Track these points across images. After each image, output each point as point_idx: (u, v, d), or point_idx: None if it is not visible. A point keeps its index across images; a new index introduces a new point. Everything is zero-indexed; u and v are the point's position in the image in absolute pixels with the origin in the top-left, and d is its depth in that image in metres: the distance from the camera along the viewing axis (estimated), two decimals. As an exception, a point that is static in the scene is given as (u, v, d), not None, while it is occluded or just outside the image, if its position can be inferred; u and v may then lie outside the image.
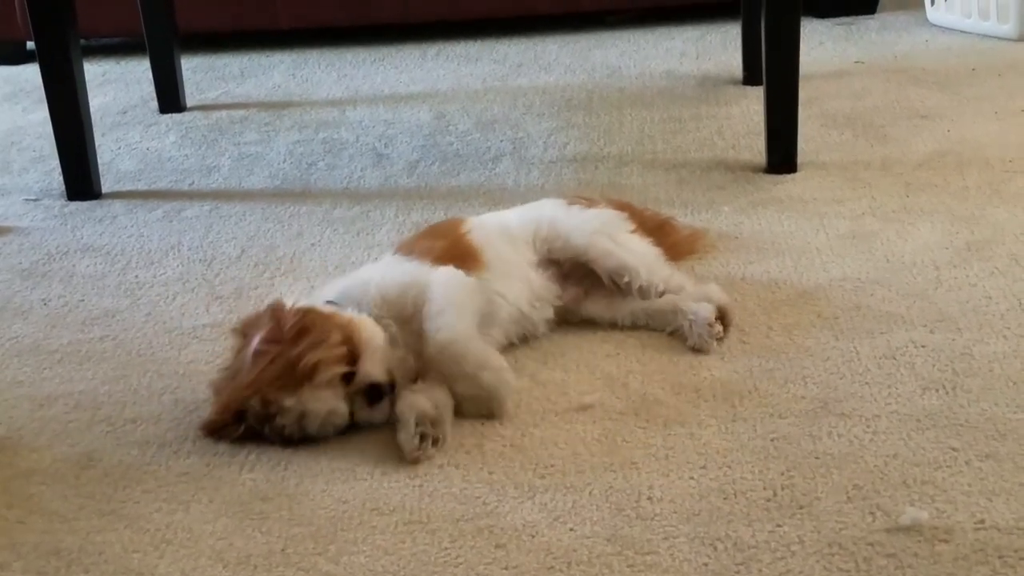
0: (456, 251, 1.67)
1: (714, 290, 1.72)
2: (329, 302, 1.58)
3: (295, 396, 1.45)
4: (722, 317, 1.68)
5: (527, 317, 1.70)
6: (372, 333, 1.52)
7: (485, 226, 1.77)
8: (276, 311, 1.51)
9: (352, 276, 1.68)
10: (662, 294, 1.72)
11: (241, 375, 1.48)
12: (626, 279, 1.73)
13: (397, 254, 1.71)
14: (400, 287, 1.59)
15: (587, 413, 1.53)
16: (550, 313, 1.73)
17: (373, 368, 1.49)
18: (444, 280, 1.58)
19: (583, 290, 1.77)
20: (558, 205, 1.83)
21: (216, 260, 2.11)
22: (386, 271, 1.65)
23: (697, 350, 1.65)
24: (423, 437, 1.45)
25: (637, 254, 1.76)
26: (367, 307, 1.57)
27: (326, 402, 1.46)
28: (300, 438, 1.48)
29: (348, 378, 1.48)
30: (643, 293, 1.73)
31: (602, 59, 3.22)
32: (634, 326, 1.73)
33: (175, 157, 2.68)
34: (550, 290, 1.74)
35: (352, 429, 1.50)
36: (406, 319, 1.56)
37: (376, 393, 1.49)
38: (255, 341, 1.48)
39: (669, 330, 1.70)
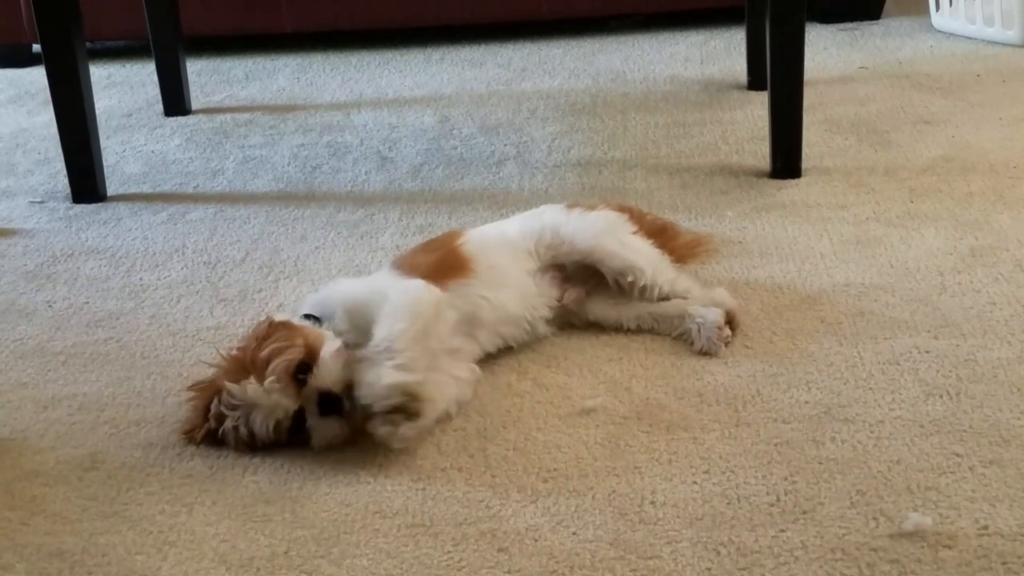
0: (448, 262, 1.67)
1: (722, 294, 1.72)
2: (307, 316, 1.59)
3: (242, 385, 1.45)
4: (729, 321, 1.68)
5: (519, 318, 1.70)
6: (331, 346, 1.51)
7: (481, 237, 1.78)
8: (257, 326, 1.54)
9: (328, 289, 1.67)
10: (665, 296, 1.73)
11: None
12: (630, 278, 1.73)
13: (392, 268, 1.71)
14: (363, 298, 1.58)
15: (590, 417, 1.53)
16: (547, 313, 1.73)
17: (327, 375, 1.47)
18: (401, 290, 1.56)
19: (585, 291, 1.77)
20: (558, 211, 1.83)
21: (220, 263, 2.11)
22: (354, 283, 1.65)
23: (705, 353, 1.66)
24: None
25: (642, 254, 1.77)
26: (332, 320, 1.57)
27: (270, 394, 1.45)
28: (249, 439, 1.48)
29: (302, 384, 1.47)
30: (647, 293, 1.73)
31: (606, 64, 3.22)
32: (639, 329, 1.73)
33: (180, 160, 2.69)
34: (547, 293, 1.74)
35: (303, 443, 1.49)
36: (365, 329, 1.53)
37: (328, 402, 1.47)
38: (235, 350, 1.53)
39: (675, 334, 1.71)
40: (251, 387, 1.46)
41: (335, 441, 1.49)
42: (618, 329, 1.74)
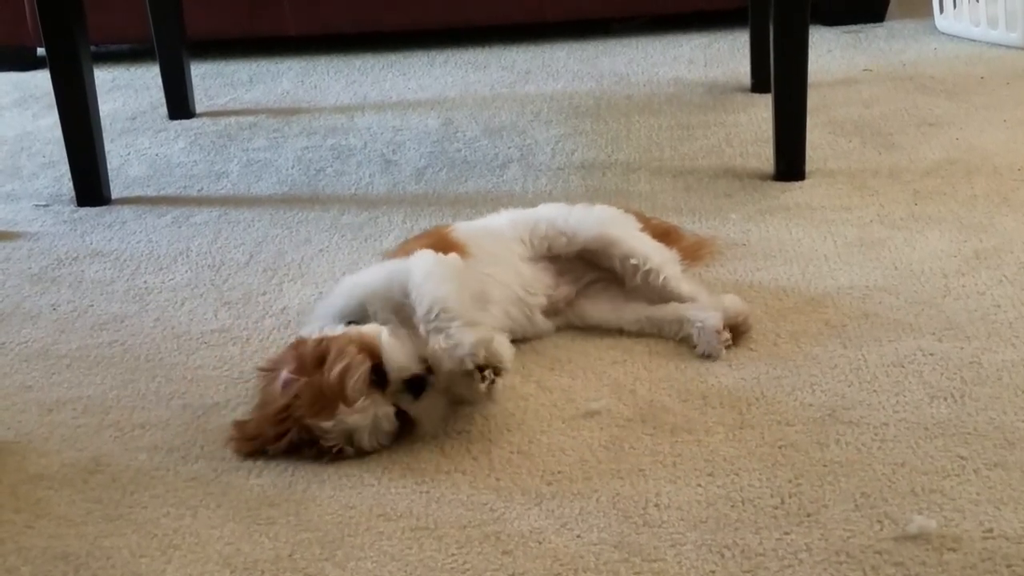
0: (441, 248, 1.66)
1: (732, 300, 1.71)
2: (349, 322, 1.56)
3: (332, 417, 1.43)
4: (738, 326, 1.68)
5: (523, 301, 1.70)
6: (385, 335, 1.50)
7: (469, 227, 1.80)
8: (298, 344, 1.51)
9: (344, 290, 1.64)
10: (670, 292, 1.72)
11: (272, 404, 1.48)
12: (634, 261, 1.73)
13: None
14: (385, 279, 1.58)
15: (594, 419, 1.53)
16: (542, 301, 1.73)
17: (400, 360, 1.47)
18: (420, 258, 1.57)
19: (576, 291, 1.77)
20: (559, 206, 1.84)
21: (224, 266, 2.11)
22: (363, 274, 1.65)
23: (706, 357, 1.65)
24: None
25: (648, 243, 1.78)
26: (369, 311, 1.56)
27: (366, 412, 1.44)
28: (358, 454, 1.46)
29: (382, 385, 1.46)
30: (650, 277, 1.72)
31: (610, 66, 3.22)
32: (640, 334, 1.73)
33: (184, 163, 2.69)
34: (542, 281, 1.74)
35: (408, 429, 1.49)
36: (397, 308, 1.54)
37: (417, 383, 1.47)
38: (283, 373, 1.48)
39: (677, 338, 1.70)
40: (345, 417, 1.43)
41: (446, 415, 1.50)
42: (620, 332, 1.74)
